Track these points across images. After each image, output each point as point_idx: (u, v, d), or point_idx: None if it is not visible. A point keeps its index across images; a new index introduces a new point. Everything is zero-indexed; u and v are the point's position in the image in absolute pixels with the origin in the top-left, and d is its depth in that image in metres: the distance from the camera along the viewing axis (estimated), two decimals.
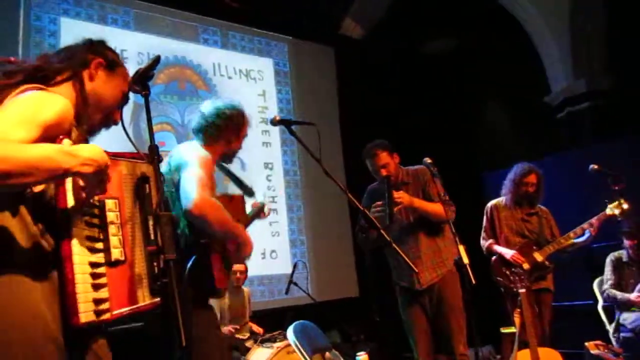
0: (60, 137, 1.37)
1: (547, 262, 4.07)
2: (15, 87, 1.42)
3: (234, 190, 2.80)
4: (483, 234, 4.38)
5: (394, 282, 3.67)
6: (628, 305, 4.37)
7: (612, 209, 4.07)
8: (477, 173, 7.09)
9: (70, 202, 1.34)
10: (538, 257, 4.07)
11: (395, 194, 3.36)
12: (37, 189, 1.37)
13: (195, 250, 2.22)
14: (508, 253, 4.12)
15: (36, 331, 1.28)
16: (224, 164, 2.68)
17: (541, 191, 4.24)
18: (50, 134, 1.35)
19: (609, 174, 4.10)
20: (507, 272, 3.97)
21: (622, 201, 4.05)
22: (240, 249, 2.34)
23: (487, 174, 6.82)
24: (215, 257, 2.25)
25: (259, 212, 2.89)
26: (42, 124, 1.33)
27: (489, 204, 4.42)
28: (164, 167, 2.30)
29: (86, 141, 1.60)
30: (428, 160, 3.34)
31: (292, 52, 6.54)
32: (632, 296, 4.30)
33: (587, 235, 4.07)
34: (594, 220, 4.06)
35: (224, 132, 2.51)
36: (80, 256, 1.32)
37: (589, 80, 6.43)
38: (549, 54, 6.74)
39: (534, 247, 4.11)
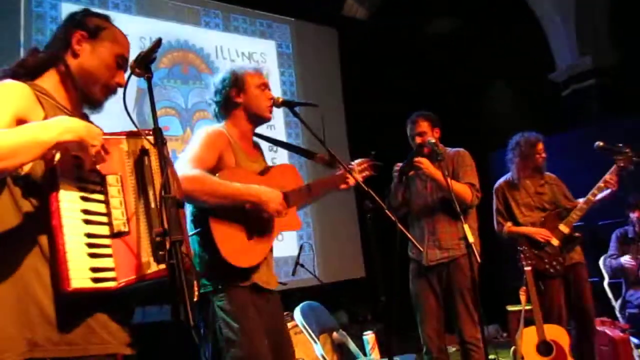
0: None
1: (575, 233, 3.86)
2: None
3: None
4: (497, 218, 4.09)
5: (409, 253, 3.67)
6: (623, 273, 4.35)
7: (622, 161, 3.80)
8: (483, 152, 7.07)
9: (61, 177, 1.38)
10: (564, 229, 3.82)
11: (417, 159, 3.37)
12: (25, 169, 1.38)
13: (197, 227, 2.22)
14: (534, 232, 3.86)
15: (34, 315, 1.34)
16: (270, 137, 2.62)
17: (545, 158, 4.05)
18: (21, 117, 1.38)
19: (614, 151, 3.97)
20: (541, 254, 3.80)
21: (628, 151, 3.81)
22: (259, 210, 2.22)
23: (492, 154, 6.80)
24: (221, 230, 2.16)
25: (338, 180, 2.66)
26: (12, 108, 1.37)
27: (497, 185, 4.16)
28: None
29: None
30: (432, 139, 3.35)
31: (294, 34, 6.50)
32: (623, 260, 4.28)
33: (607, 191, 3.82)
34: (607, 176, 3.80)
35: (227, 99, 2.45)
36: (72, 227, 1.35)
37: (594, 56, 6.37)
38: (554, 31, 6.68)
39: (557, 220, 3.87)
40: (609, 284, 4.63)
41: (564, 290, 3.84)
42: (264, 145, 2.69)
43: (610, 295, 4.62)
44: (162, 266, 1.42)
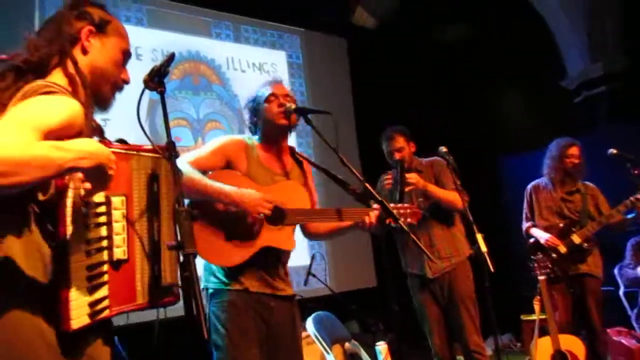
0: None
1: (585, 244, 3.83)
2: (14, 90, 1.34)
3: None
4: (524, 217, 4.18)
5: (404, 269, 3.68)
6: (639, 282, 4.31)
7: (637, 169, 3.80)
8: (493, 158, 7.05)
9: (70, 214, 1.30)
10: (576, 239, 3.83)
11: (407, 175, 3.40)
12: (45, 196, 1.30)
13: None
14: (543, 237, 3.91)
15: (36, 340, 1.26)
16: (315, 163, 2.66)
17: (584, 165, 4.02)
18: (53, 139, 1.26)
19: (628, 159, 3.98)
20: (543, 257, 3.81)
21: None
22: (236, 211, 2.24)
23: (503, 159, 6.77)
24: (200, 229, 2.18)
25: (360, 221, 2.52)
26: (44, 130, 1.24)
27: (529, 186, 4.21)
28: None
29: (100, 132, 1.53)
30: (443, 149, 3.35)
31: (304, 44, 6.52)
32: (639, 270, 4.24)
33: (635, 212, 3.81)
34: (633, 198, 3.77)
35: (254, 123, 2.57)
36: (76, 264, 1.30)
37: (605, 63, 6.33)
38: (564, 38, 6.65)
39: (574, 229, 3.88)
40: (625, 293, 4.58)
41: (563, 298, 3.84)
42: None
43: (626, 304, 4.57)
44: (157, 301, 1.45)
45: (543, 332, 3.71)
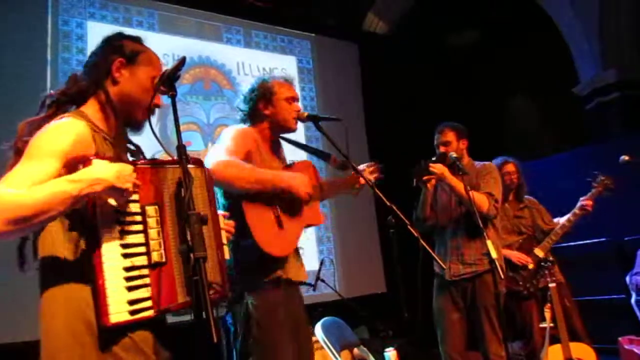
0: (91, 158, 1.46)
1: (549, 257, 3.98)
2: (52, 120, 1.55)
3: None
4: None
5: (434, 267, 3.65)
6: None
7: (597, 189, 4.04)
8: None
9: (99, 216, 1.46)
10: (539, 252, 3.98)
11: (431, 164, 3.36)
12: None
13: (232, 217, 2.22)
14: (512, 255, 3.96)
15: (83, 331, 1.45)
16: (291, 139, 2.69)
17: (523, 181, 4.18)
18: (71, 159, 1.46)
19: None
20: (514, 276, 3.91)
21: (604, 178, 4.04)
22: (292, 195, 2.28)
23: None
24: (255, 219, 2.20)
25: (351, 181, 2.75)
26: (58, 154, 1.45)
27: None
28: None
29: (124, 154, 1.70)
30: (454, 154, 3.33)
31: (315, 49, 6.54)
32: None
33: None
34: (584, 202, 4.01)
35: (255, 110, 2.55)
36: (111, 263, 1.44)
37: (618, 70, 6.28)
38: (577, 44, 6.61)
39: (534, 244, 4.03)
40: (637, 301, 4.52)
41: (537, 312, 3.89)
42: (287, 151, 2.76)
43: (637, 312, 4.51)
44: (189, 298, 1.51)
45: (554, 340, 3.68)
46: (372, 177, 2.72)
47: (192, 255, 1.37)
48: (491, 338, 3.31)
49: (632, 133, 5.69)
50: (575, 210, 4.00)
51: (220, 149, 2.29)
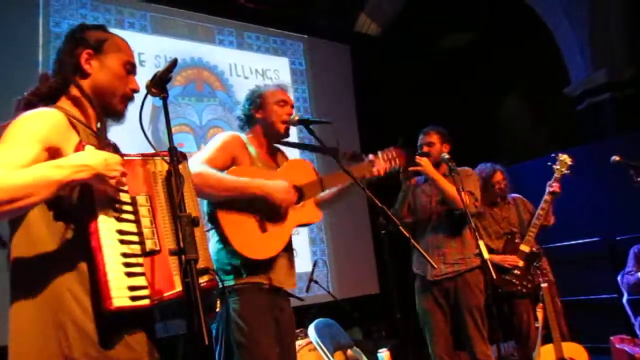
0: (83, 143, 1.44)
1: (534, 249, 4.00)
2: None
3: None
4: None
5: (413, 268, 3.69)
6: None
7: (559, 170, 4.05)
8: None
9: (98, 202, 1.43)
10: (524, 248, 3.99)
11: (418, 157, 3.44)
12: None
13: (211, 223, 2.28)
14: (501, 260, 3.99)
15: (70, 329, 1.39)
16: (292, 142, 2.70)
17: (509, 183, 4.24)
18: (52, 146, 1.42)
19: (631, 165, 4.01)
20: (509, 277, 3.93)
21: (563, 158, 4.06)
22: (267, 202, 2.28)
23: (507, 168, 6.74)
24: (231, 223, 2.23)
25: (366, 167, 2.68)
26: (38, 138, 1.40)
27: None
28: None
29: (108, 148, 1.64)
30: (446, 155, 3.36)
31: (307, 51, 6.54)
32: None
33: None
34: (550, 188, 4.02)
35: (249, 116, 2.60)
36: (110, 248, 1.41)
37: (609, 70, 6.32)
38: (568, 44, 6.65)
39: (517, 241, 4.04)
40: (628, 301, 4.55)
41: (533, 311, 3.89)
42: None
43: (629, 312, 4.54)
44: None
45: (546, 339, 3.70)
46: (385, 165, 2.71)
47: (183, 257, 1.37)
48: (477, 338, 3.36)
49: (623, 133, 5.73)
50: (545, 196, 4.01)
51: (197, 157, 2.31)
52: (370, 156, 2.74)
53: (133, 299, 1.40)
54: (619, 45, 6.38)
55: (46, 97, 1.58)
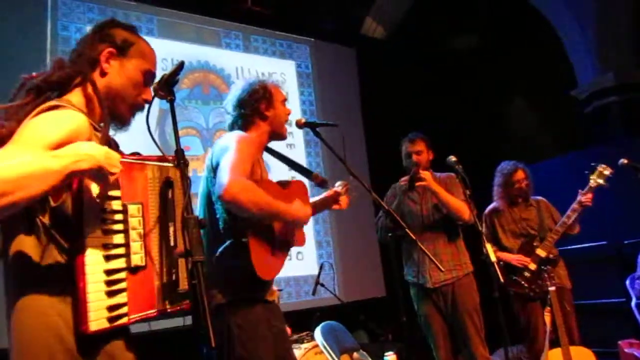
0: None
1: (551, 255, 3.92)
2: (31, 108, 1.39)
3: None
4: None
5: (405, 277, 3.69)
6: None
7: (595, 180, 3.87)
8: None
9: (88, 204, 1.34)
10: (540, 252, 3.92)
11: (422, 172, 3.48)
12: (56, 202, 1.35)
13: (232, 236, 2.14)
14: (511, 258, 3.98)
15: (54, 345, 1.32)
16: (276, 151, 2.59)
17: (531, 184, 4.14)
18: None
19: (638, 169, 3.96)
20: (518, 279, 3.92)
21: (602, 168, 3.88)
22: (292, 227, 2.28)
23: None
24: (255, 242, 2.12)
25: (330, 200, 2.74)
26: (48, 145, 1.30)
27: (487, 210, 4.28)
28: (206, 161, 2.29)
29: (114, 145, 1.61)
30: (453, 158, 3.35)
31: (314, 54, 6.55)
32: None
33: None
34: (582, 197, 3.86)
35: (256, 111, 2.39)
36: (93, 266, 1.33)
37: (617, 73, 6.29)
38: (575, 47, 6.62)
39: (535, 244, 3.97)
40: (637, 305, 4.52)
41: (542, 314, 3.82)
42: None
43: (637, 316, 4.51)
44: (176, 307, 1.47)
45: (554, 343, 3.67)
46: (346, 198, 2.76)
47: (190, 258, 1.36)
48: (476, 341, 3.40)
49: (631, 136, 5.70)
50: (574, 205, 3.87)
51: (233, 164, 2.08)
52: (337, 185, 2.78)
53: (111, 320, 1.35)
54: (627, 47, 6.35)
55: (57, 85, 1.49)
